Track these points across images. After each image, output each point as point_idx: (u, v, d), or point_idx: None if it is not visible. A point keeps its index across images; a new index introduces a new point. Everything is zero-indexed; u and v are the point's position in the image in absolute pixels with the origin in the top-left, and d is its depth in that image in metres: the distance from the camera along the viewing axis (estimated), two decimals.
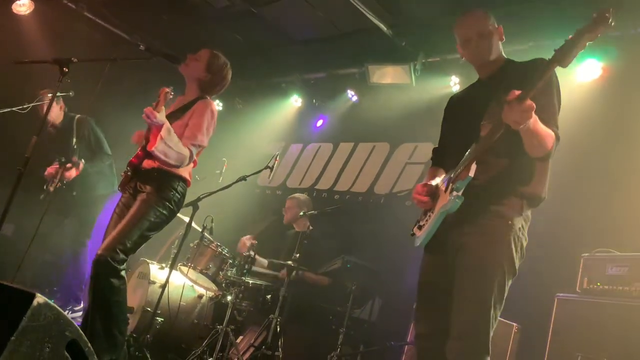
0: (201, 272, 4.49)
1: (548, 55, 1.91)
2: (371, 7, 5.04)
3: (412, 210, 2.56)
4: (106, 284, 2.90)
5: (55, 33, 5.99)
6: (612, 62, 4.37)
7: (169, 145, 2.92)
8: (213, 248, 4.55)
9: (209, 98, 3.28)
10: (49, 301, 1.42)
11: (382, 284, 4.61)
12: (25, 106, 4.68)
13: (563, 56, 1.85)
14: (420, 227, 2.37)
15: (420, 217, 2.42)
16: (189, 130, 3.11)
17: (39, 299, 1.38)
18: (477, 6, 2.49)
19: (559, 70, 1.92)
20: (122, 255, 2.94)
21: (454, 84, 5.26)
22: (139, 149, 3.17)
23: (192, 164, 3.22)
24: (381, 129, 5.93)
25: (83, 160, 4.89)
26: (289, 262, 4.32)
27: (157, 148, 2.89)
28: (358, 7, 4.98)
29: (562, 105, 2.29)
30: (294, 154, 6.82)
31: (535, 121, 2.00)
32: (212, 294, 4.78)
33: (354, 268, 4.43)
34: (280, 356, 4.05)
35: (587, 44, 1.82)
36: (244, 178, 4.62)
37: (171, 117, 3.17)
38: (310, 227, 4.71)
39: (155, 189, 3.10)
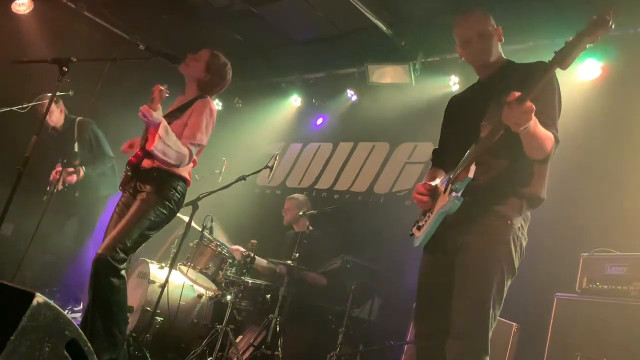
0: (201, 271, 4.49)
1: (547, 55, 1.92)
2: (371, 6, 5.04)
3: (412, 209, 2.56)
4: (106, 283, 2.90)
5: (55, 33, 5.99)
6: (612, 62, 4.38)
7: (167, 144, 2.92)
8: (213, 248, 4.55)
9: (208, 97, 3.28)
10: (49, 301, 1.42)
11: (381, 284, 4.61)
12: (24, 106, 4.68)
13: (563, 58, 1.85)
14: (419, 228, 2.37)
15: (419, 217, 2.42)
16: (188, 129, 3.11)
17: (39, 298, 1.38)
18: (476, 6, 2.49)
19: (558, 71, 1.93)
20: (122, 255, 2.94)
21: (453, 84, 5.26)
22: (138, 148, 3.16)
23: (191, 164, 3.22)
24: (381, 128, 5.94)
25: (84, 168, 4.90)
26: (289, 262, 4.33)
27: (156, 147, 2.89)
28: (358, 6, 4.98)
29: (562, 106, 2.29)
30: (294, 153, 6.82)
31: (535, 123, 2.00)
32: (212, 293, 4.79)
33: (354, 267, 4.43)
34: (280, 356, 4.05)
35: (587, 46, 1.82)
36: (243, 178, 4.62)
37: (170, 116, 3.18)
38: (310, 228, 4.71)
39: (155, 189, 3.10)
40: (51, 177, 4.82)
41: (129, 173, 3.18)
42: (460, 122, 2.48)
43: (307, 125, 6.81)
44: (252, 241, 4.71)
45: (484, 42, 2.39)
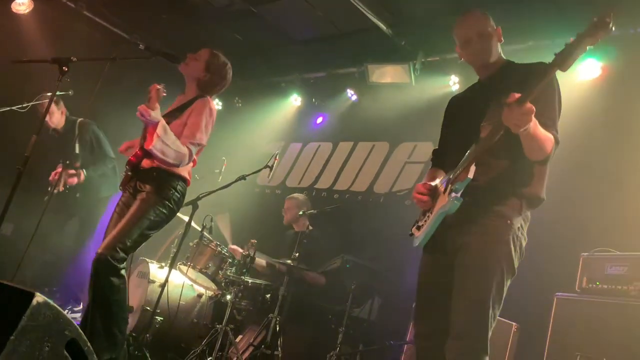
0: (200, 271, 4.49)
1: (548, 55, 1.91)
2: (371, 6, 5.04)
3: (412, 209, 2.56)
4: (106, 283, 2.90)
5: (55, 32, 5.98)
6: (612, 62, 4.37)
7: (166, 143, 2.92)
8: (212, 247, 4.55)
9: (208, 97, 3.27)
10: (49, 300, 1.41)
11: (381, 283, 4.61)
12: (24, 105, 4.68)
13: (563, 61, 1.84)
14: (418, 228, 2.37)
15: (419, 217, 2.42)
16: (187, 129, 3.10)
17: (39, 298, 1.38)
18: (477, 6, 2.48)
19: (558, 72, 1.92)
20: (122, 254, 2.94)
21: (453, 84, 5.26)
22: (138, 148, 3.16)
23: (191, 163, 3.22)
24: (381, 128, 5.94)
25: (85, 171, 4.90)
26: (289, 262, 4.33)
27: (155, 146, 2.89)
28: (358, 6, 4.98)
29: (562, 105, 2.29)
30: (294, 153, 6.82)
31: (535, 125, 2.00)
32: (212, 293, 4.79)
33: (354, 267, 4.44)
34: (280, 355, 4.05)
35: (587, 48, 1.82)
36: (243, 177, 4.62)
37: (170, 116, 3.18)
38: (310, 227, 4.71)
39: (155, 188, 3.10)
40: (51, 178, 4.82)
41: (129, 173, 3.18)
42: (461, 122, 2.48)
43: (307, 124, 6.81)
44: (252, 241, 4.71)
45: (484, 42, 2.39)
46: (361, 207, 5.71)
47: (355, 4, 4.95)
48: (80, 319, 3.29)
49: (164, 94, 2.95)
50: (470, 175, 2.12)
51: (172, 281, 4.44)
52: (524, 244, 2.26)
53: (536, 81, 1.91)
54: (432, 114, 3.29)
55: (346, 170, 6.15)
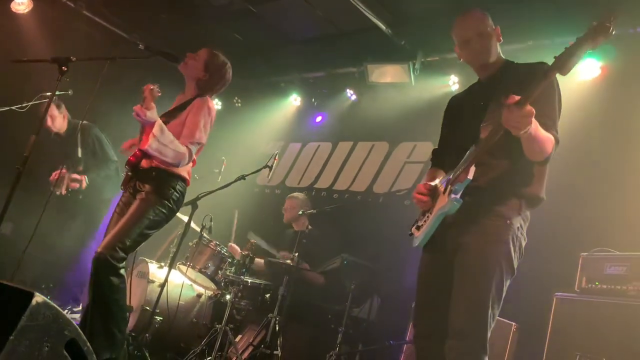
0: (200, 271, 4.49)
1: (548, 54, 1.91)
2: (370, 6, 5.04)
3: (411, 209, 2.56)
4: (105, 282, 2.90)
5: (54, 32, 5.98)
6: (611, 62, 4.37)
7: (163, 143, 2.92)
8: (212, 247, 4.55)
9: (207, 96, 3.27)
10: (48, 300, 1.41)
11: (381, 283, 4.61)
12: (24, 105, 4.67)
13: (563, 64, 1.84)
14: (418, 228, 2.37)
15: (418, 217, 2.42)
16: (186, 128, 3.10)
17: (38, 298, 1.38)
18: (476, 6, 2.48)
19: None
20: (121, 254, 2.94)
21: (453, 83, 5.26)
22: (137, 148, 3.16)
23: (191, 163, 3.22)
24: (380, 128, 5.93)
25: (86, 178, 4.90)
26: (288, 261, 4.32)
27: (151, 146, 2.89)
28: (357, 6, 4.97)
29: (562, 105, 2.29)
30: (293, 153, 6.82)
31: (536, 127, 2.00)
32: (211, 293, 4.78)
33: (353, 267, 4.43)
34: (279, 355, 4.05)
35: (587, 51, 1.82)
36: (243, 177, 4.62)
37: (169, 115, 3.18)
38: (309, 227, 4.72)
39: (154, 188, 3.10)
40: (51, 178, 4.82)
41: (129, 173, 3.18)
42: (460, 122, 2.48)
43: (307, 124, 6.81)
44: (252, 241, 4.71)
45: (483, 42, 2.38)
46: (361, 207, 5.71)
47: (355, 3, 4.95)
48: (79, 320, 3.29)
49: (159, 94, 2.94)
50: (470, 176, 2.13)
51: (172, 281, 4.43)
52: (523, 244, 2.26)
53: (535, 84, 1.91)
54: (432, 114, 3.29)
55: (346, 170, 6.15)
